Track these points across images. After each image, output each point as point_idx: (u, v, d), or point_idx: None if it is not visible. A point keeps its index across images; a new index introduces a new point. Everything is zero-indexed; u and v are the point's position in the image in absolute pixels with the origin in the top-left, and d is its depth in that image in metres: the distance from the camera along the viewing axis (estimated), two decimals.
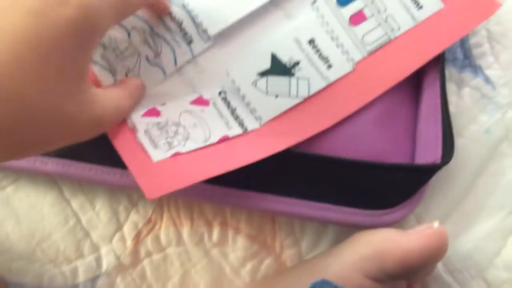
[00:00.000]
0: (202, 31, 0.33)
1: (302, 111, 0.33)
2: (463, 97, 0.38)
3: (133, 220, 0.37)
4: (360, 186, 0.33)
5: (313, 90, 0.33)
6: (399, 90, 0.35)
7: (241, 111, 0.33)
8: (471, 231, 0.36)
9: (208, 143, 0.32)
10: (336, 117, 0.33)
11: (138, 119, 0.32)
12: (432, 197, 0.36)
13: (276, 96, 0.33)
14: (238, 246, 0.36)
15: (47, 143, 0.26)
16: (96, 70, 0.32)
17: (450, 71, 0.38)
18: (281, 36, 0.34)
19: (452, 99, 0.37)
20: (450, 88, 0.38)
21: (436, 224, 0.31)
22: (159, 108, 0.33)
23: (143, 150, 0.32)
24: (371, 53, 0.34)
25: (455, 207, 0.36)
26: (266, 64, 0.33)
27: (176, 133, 0.32)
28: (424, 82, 0.35)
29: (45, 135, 0.25)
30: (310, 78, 0.33)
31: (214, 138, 0.32)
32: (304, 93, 0.33)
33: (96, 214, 0.37)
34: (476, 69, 0.38)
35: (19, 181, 0.37)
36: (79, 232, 0.37)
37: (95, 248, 0.36)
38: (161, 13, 0.32)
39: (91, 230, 0.37)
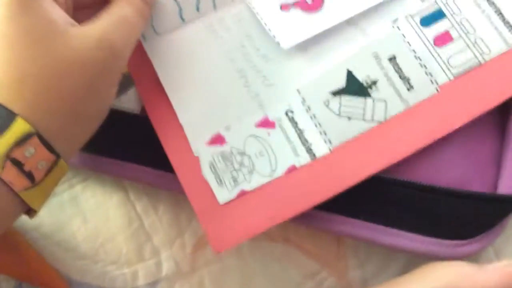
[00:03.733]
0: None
1: (376, 138, 0.30)
2: None
3: (194, 228, 0.36)
4: (436, 214, 0.30)
5: (390, 114, 0.30)
6: None
7: (309, 134, 0.31)
8: None
9: (274, 176, 0.30)
10: (414, 147, 0.30)
11: (203, 148, 0.31)
12: None
13: (349, 119, 0.31)
14: (300, 263, 0.35)
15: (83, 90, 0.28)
16: None
17: None
18: (359, 51, 0.31)
19: None
20: None
21: None
22: (223, 133, 0.31)
23: (208, 188, 0.31)
24: (458, 76, 0.30)
25: None
26: (341, 83, 0.31)
27: (241, 164, 0.31)
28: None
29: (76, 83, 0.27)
30: (388, 100, 0.30)
31: (281, 170, 0.30)
32: (380, 117, 0.30)
33: (158, 218, 0.36)
34: None
35: (88, 181, 0.37)
36: (142, 235, 0.36)
37: (156, 253, 0.36)
38: None
39: (153, 234, 0.36)
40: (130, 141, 0.35)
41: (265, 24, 0.32)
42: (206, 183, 0.31)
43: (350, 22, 0.32)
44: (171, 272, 0.36)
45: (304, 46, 0.32)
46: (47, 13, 0.27)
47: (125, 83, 0.35)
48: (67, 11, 0.29)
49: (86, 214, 0.37)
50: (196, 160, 0.31)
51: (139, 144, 0.34)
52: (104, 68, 0.28)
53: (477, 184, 0.31)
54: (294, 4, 0.32)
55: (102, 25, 0.28)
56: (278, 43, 0.32)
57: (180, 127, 0.32)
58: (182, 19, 0.33)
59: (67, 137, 0.28)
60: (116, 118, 0.34)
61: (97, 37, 0.27)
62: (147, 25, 0.32)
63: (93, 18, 0.28)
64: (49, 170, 0.27)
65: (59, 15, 0.27)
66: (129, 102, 0.35)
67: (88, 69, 0.27)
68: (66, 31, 0.27)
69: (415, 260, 0.33)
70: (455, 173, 0.31)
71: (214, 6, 0.33)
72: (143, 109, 0.34)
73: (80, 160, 0.36)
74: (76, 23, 0.28)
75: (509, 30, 0.31)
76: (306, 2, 0.32)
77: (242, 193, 0.31)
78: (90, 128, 0.30)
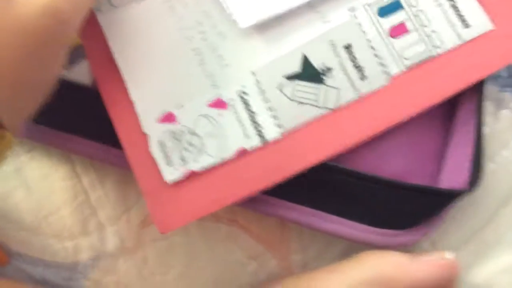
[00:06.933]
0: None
1: (327, 125, 0.30)
2: (499, 119, 0.35)
3: (142, 204, 0.35)
4: (376, 203, 0.30)
5: (342, 102, 0.30)
6: None
7: (261, 117, 0.30)
8: (487, 264, 0.33)
9: (223, 157, 0.30)
10: (363, 135, 0.30)
11: (153, 125, 0.31)
12: (452, 222, 0.33)
13: (302, 104, 0.30)
14: (244, 245, 0.35)
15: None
16: None
17: (490, 89, 0.35)
18: (316, 37, 0.31)
19: (487, 119, 0.34)
20: (487, 107, 0.35)
21: (448, 254, 0.29)
22: (175, 112, 0.31)
23: (156, 166, 0.30)
24: (410, 68, 0.31)
25: (474, 235, 0.33)
26: (296, 68, 0.31)
27: (190, 144, 0.30)
28: (460, 97, 0.33)
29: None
30: (341, 88, 0.30)
31: (231, 151, 0.30)
32: (331, 104, 0.30)
33: (105, 193, 0.35)
34: None
35: (34, 152, 0.36)
36: (87, 209, 0.35)
37: (101, 227, 0.35)
38: None
39: (99, 208, 0.35)
40: (79, 114, 0.33)
41: (224, 1, 0.31)
42: (154, 162, 0.30)
43: (310, 6, 0.31)
44: (115, 247, 0.35)
45: (262, 27, 0.31)
46: None
47: (77, 54, 0.34)
48: None
49: (30, 186, 0.36)
50: (145, 137, 0.30)
51: (88, 117, 0.33)
52: (49, 36, 0.26)
53: (419, 176, 0.32)
54: None
55: None
56: (235, 22, 0.31)
57: (131, 103, 0.31)
58: None
59: (9, 106, 0.27)
60: (65, 89, 0.33)
61: (43, 4, 0.25)
62: None
63: None
64: None
65: None
66: (79, 74, 0.33)
67: (31, 36, 0.26)
68: None
69: (354, 247, 0.33)
70: (399, 164, 0.32)
71: None
72: (94, 82, 0.33)
73: (26, 131, 0.35)
74: None
75: (463, 25, 0.31)
76: None
77: (190, 174, 0.30)
78: (34, 99, 0.28)
